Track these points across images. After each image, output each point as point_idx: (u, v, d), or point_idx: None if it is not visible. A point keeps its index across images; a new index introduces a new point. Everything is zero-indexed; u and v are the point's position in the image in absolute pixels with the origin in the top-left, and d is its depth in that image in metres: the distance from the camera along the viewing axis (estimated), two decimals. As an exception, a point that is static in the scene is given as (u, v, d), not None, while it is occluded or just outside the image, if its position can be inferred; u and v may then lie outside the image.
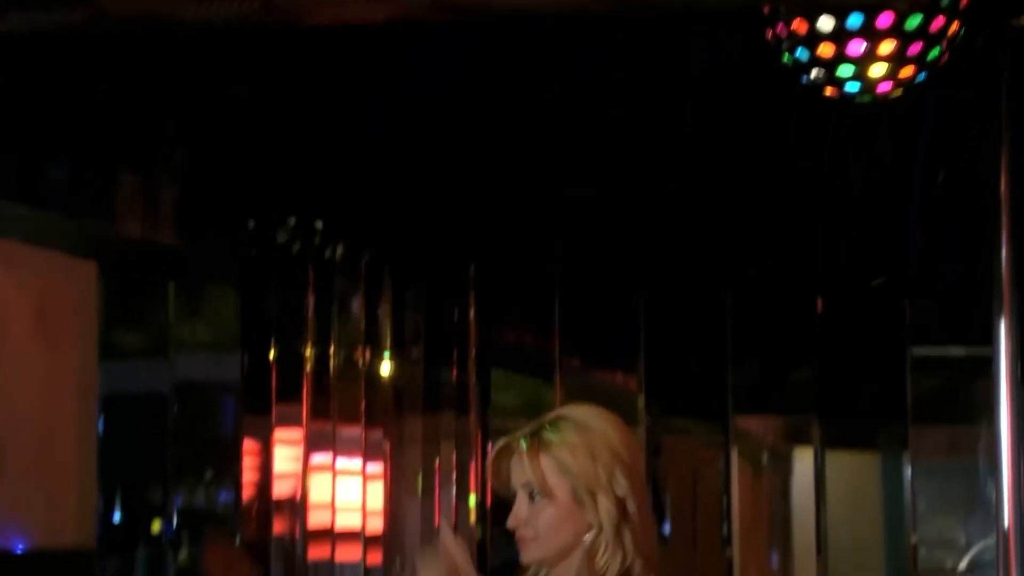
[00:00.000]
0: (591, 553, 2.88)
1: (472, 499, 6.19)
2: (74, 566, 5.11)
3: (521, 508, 2.91)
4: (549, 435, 2.92)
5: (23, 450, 5.07)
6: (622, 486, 2.88)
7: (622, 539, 2.86)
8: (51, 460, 5.17)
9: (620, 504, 2.88)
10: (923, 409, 6.06)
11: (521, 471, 2.92)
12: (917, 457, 6.09)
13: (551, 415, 2.97)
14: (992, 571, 5.94)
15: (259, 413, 5.85)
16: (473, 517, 6.18)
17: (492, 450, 3.01)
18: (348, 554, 6.02)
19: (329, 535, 5.97)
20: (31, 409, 5.13)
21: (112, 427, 5.60)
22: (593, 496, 2.89)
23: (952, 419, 6.13)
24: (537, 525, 2.90)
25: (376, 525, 6.09)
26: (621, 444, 2.92)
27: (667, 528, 6.38)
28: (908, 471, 6.11)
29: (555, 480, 2.90)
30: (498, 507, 6.17)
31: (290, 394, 5.87)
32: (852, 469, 6.50)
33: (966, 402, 6.04)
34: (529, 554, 2.93)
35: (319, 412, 5.95)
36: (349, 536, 6.02)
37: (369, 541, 6.05)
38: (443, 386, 6.24)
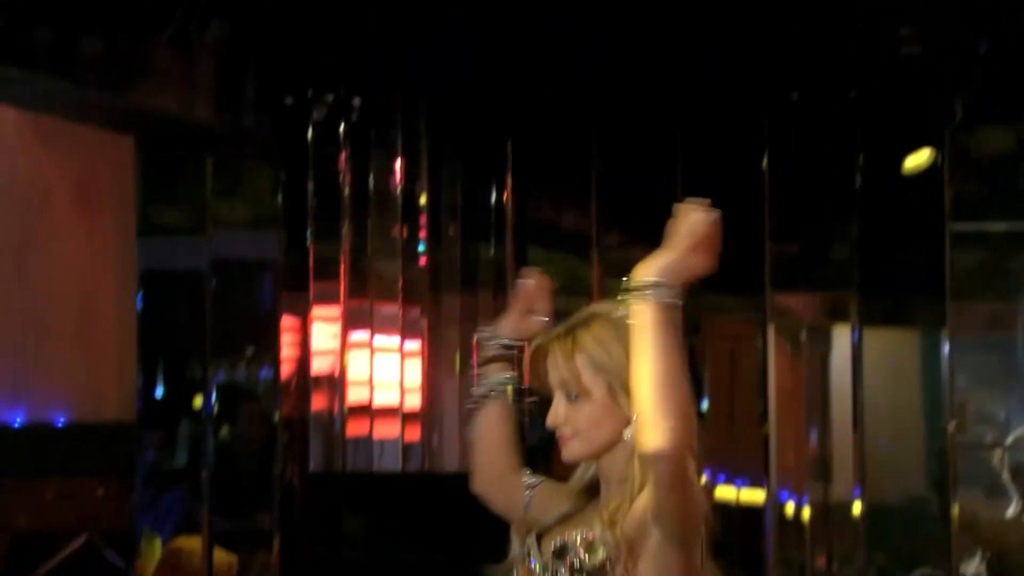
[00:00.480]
0: (629, 438, 2.88)
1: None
2: (115, 439, 5.15)
3: (559, 407, 2.92)
4: (582, 334, 2.93)
5: (63, 325, 5.10)
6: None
7: None
8: (91, 335, 5.20)
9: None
10: (962, 285, 6.02)
11: (557, 371, 2.93)
12: (956, 333, 6.06)
13: (584, 313, 2.98)
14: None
15: (297, 290, 5.86)
16: (510, 396, 6.18)
17: (527, 351, 3.03)
18: (386, 430, 6.05)
19: (367, 411, 6.00)
20: (70, 284, 5.15)
21: (151, 303, 5.62)
22: (629, 391, 2.84)
23: (991, 295, 6.10)
24: (576, 423, 2.91)
25: (414, 402, 6.11)
26: None
27: (705, 405, 6.39)
28: (946, 347, 6.09)
29: (591, 378, 2.90)
30: (537, 390, 6.18)
31: (328, 272, 5.88)
32: (890, 345, 6.49)
33: (1006, 277, 6.01)
34: (570, 452, 2.94)
35: (357, 290, 5.96)
36: (387, 412, 6.05)
37: (407, 418, 6.08)
38: (480, 264, 6.23)
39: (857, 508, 6.04)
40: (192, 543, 5.55)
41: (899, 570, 6.27)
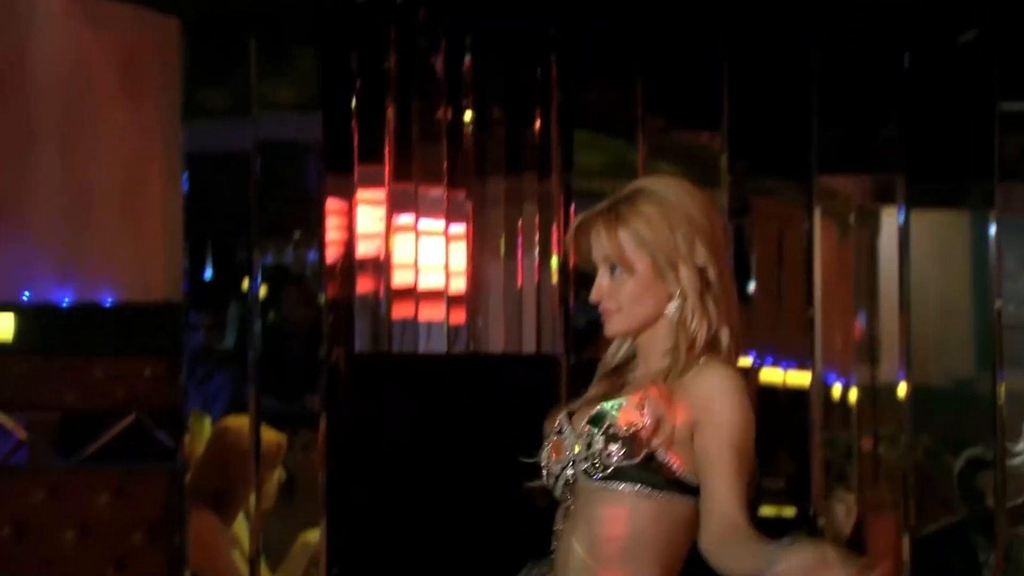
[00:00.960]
0: (681, 320, 2.90)
1: (554, 261, 6.19)
2: (162, 320, 5.19)
3: (603, 281, 2.94)
4: (626, 208, 2.94)
5: (109, 206, 5.12)
6: (702, 255, 2.90)
7: (706, 307, 2.88)
8: (137, 216, 5.23)
9: (701, 273, 2.90)
10: (1011, 166, 5.97)
11: (600, 246, 2.94)
12: (1004, 214, 6.02)
13: (628, 188, 2.98)
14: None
15: (342, 172, 5.86)
16: (555, 279, 6.19)
17: (571, 226, 3.02)
18: (431, 313, 6.07)
19: (412, 294, 6.01)
20: (116, 164, 5.17)
21: (196, 186, 5.63)
22: (674, 267, 2.90)
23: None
24: (620, 298, 2.93)
25: (459, 285, 6.12)
26: (699, 213, 2.93)
27: (752, 287, 6.37)
28: (994, 229, 6.05)
29: (634, 253, 2.92)
30: (581, 270, 6.18)
31: (372, 154, 5.87)
32: (938, 228, 6.46)
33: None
34: (613, 327, 2.96)
35: (401, 173, 5.95)
36: (432, 295, 6.06)
37: (452, 300, 6.09)
38: (525, 147, 6.21)
39: (903, 390, 6.03)
40: (240, 422, 5.60)
41: (945, 451, 6.28)
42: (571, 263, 6.15)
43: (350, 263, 5.87)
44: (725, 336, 2.89)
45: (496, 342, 6.17)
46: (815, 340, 6.05)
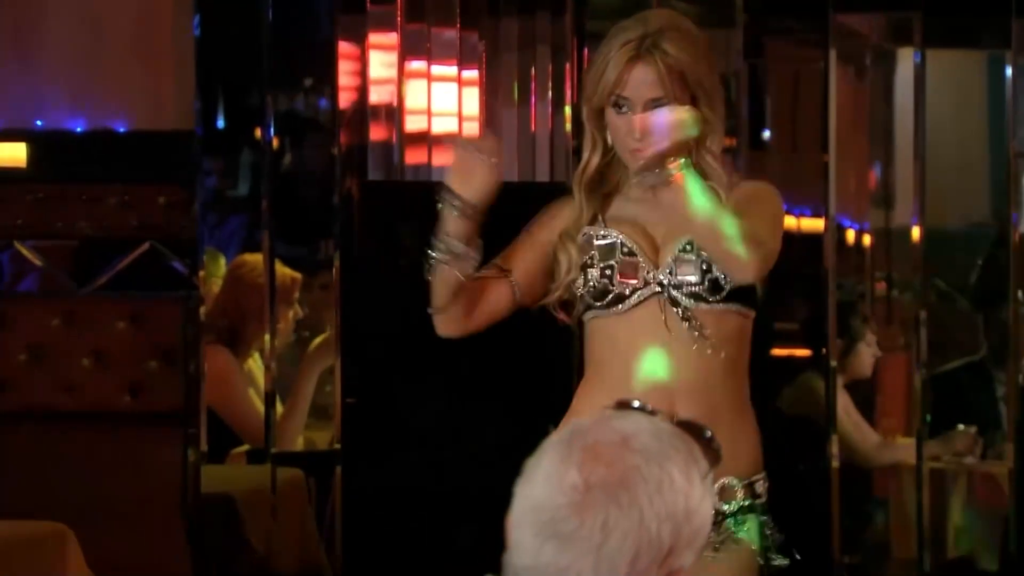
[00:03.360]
0: (712, 150, 3.10)
1: (568, 108, 6.16)
2: (175, 148, 5.18)
3: (646, 122, 2.97)
4: (667, 46, 3.02)
5: (121, 36, 5.10)
6: (719, 86, 3.11)
7: (723, 130, 3.13)
8: (149, 48, 5.21)
9: (723, 101, 3.12)
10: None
11: (646, 86, 3.01)
12: (1021, 55, 5.96)
13: (653, 25, 3.05)
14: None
15: (354, 14, 5.82)
16: (568, 125, 6.17)
17: (613, 43, 3.06)
18: (444, 159, 6.05)
19: (426, 139, 5.99)
20: (127, -1, 5.16)
21: (208, 28, 5.59)
22: (711, 101, 3.07)
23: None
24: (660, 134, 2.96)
25: (472, 130, 6.10)
26: (706, 44, 3.12)
27: (767, 134, 6.34)
28: (1009, 70, 5.99)
29: (679, 88, 3.02)
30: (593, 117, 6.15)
31: (385, -6, 5.83)
32: (955, 69, 6.41)
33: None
34: (649, 162, 2.99)
35: (414, 13, 5.91)
36: (446, 140, 6.04)
37: (466, 144, 6.06)
38: (538, -14, 6.16)
39: (917, 234, 6.02)
40: (256, 258, 5.61)
41: (959, 295, 6.28)
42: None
43: (363, 109, 5.85)
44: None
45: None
46: (829, 185, 6.01)
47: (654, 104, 3.00)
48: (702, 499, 1.80)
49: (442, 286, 3.17)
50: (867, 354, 6.14)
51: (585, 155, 3.20)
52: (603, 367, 3.14)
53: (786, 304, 6.09)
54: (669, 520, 1.77)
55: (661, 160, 2.96)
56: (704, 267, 3.07)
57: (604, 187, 3.17)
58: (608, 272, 3.11)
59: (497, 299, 3.20)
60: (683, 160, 2.97)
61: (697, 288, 3.08)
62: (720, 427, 2.41)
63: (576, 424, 1.88)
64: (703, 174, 3.05)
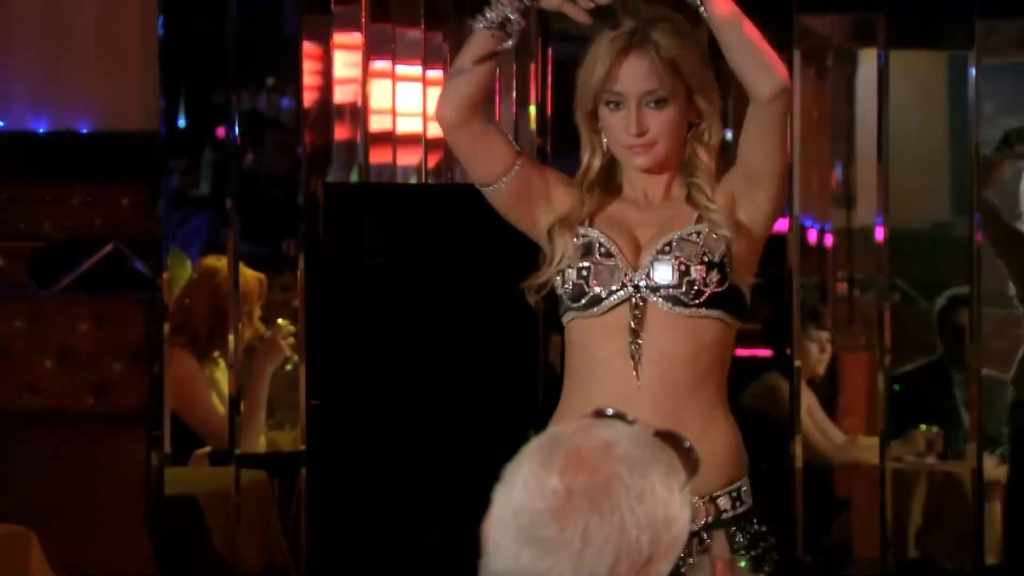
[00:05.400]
0: (709, 145, 3.05)
1: (532, 108, 6.16)
2: (138, 148, 5.17)
3: (645, 116, 2.96)
4: (659, 38, 2.98)
5: (85, 36, 5.08)
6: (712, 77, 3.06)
7: (722, 125, 3.07)
8: (113, 49, 5.19)
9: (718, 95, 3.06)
10: (993, 3, 5.91)
11: (642, 79, 2.97)
12: (984, 55, 5.99)
13: (645, 15, 3.02)
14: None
15: (319, 14, 5.81)
16: (533, 125, 6.17)
17: (602, 43, 3.01)
18: (409, 159, 6.06)
19: (390, 139, 5.99)
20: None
21: (172, 27, 5.58)
22: (706, 94, 3.03)
23: (1020, 13, 6.01)
24: (660, 129, 2.96)
25: (437, 130, 6.09)
26: (703, 41, 3.06)
27: (729, 135, 6.35)
28: (973, 71, 6.02)
29: (675, 81, 2.97)
30: (558, 115, 6.16)
31: (349, -6, 5.82)
32: (916, 69, 6.43)
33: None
34: (655, 157, 2.99)
35: (379, 13, 5.90)
36: (410, 140, 6.04)
37: (429, 145, 6.08)
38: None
39: (880, 234, 6.04)
40: (221, 262, 5.60)
41: (920, 294, 6.31)
42: (549, 107, 6.12)
43: (327, 108, 5.85)
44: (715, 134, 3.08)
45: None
46: (793, 185, 6.03)
47: (649, 97, 2.96)
48: (681, 508, 1.80)
49: (476, 47, 3.02)
50: (816, 351, 6.15)
51: (584, 160, 3.09)
52: (577, 371, 3.05)
53: (750, 304, 6.10)
54: (649, 528, 1.78)
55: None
56: (682, 268, 2.97)
57: (608, 186, 3.09)
58: (584, 273, 3.01)
59: (503, 144, 3.07)
60: None
61: (674, 291, 2.97)
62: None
63: (557, 430, 1.88)
64: (692, 167, 3.02)
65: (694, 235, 2.98)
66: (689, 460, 1.88)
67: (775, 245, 6.17)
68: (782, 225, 6.17)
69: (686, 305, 2.97)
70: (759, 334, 6.21)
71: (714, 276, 2.97)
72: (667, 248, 2.99)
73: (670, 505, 1.79)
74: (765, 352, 6.20)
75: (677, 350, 2.98)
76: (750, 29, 2.95)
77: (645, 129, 2.96)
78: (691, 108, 3.00)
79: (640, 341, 2.97)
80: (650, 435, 1.86)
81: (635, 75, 2.95)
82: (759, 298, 6.09)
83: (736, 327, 3.05)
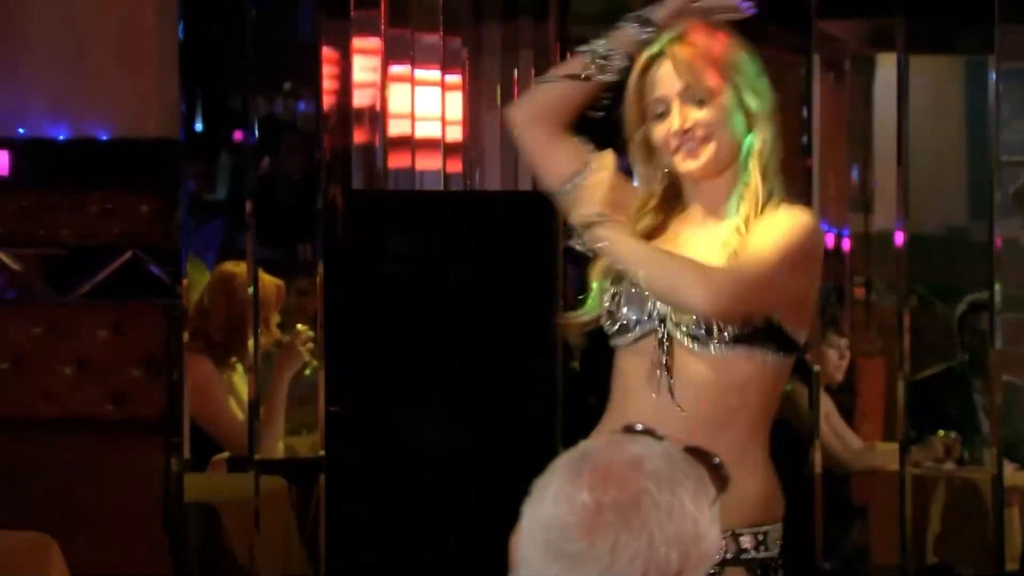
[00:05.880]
0: (759, 152, 2.90)
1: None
2: (157, 156, 5.17)
3: (686, 111, 2.88)
4: (702, 38, 2.91)
5: (104, 43, 5.08)
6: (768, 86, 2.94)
7: (776, 133, 2.92)
8: (132, 56, 5.20)
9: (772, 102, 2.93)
10: (1013, 8, 5.91)
11: (681, 75, 2.88)
12: (1003, 60, 5.97)
13: (688, 23, 2.94)
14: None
15: (338, 18, 5.81)
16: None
17: (637, 64, 2.93)
18: (428, 162, 6.06)
19: (409, 143, 5.99)
20: (110, 4, 5.13)
21: (192, 31, 5.58)
22: (756, 96, 2.90)
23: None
24: (707, 125, 2.87)
25: (455, 134, 6.11)
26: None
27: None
28: (993, 75, 6.00)
29: (716, 80, 2.88)
30: (577, 120, 6.15)
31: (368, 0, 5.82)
32: (934, 75, 6.42)
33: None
34: (705, 156, 2.89)
35: (398, 18, 5.90)
36: (429, 144, 6.05)
37: (448, 149, 6.08)
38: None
39: (899, 239, 6.03)
40: (237, 269, 5.60)
41: (938, 299, 6.30)
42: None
43: (346, 113, 5.85)
44: (779, 155, 2.94)
45: (492, 190, 6.18)
46: (813, 190, 6.02)
47: (688, 94, 2.87)
48: (711, 525, 1.81)
49: (569, 66, 3.00)
50: (835, 357, 6.14)
51: (640, 192, 3.00)
52: (614, 395, 2.95)
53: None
54: (678, 544, 1.78)
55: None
56: None
57: (676, 203, 3.00)
58: (617, 298, 2.92)
59: (570, 150, 2.98)
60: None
61: (695, 328, 2.85)
62: None
63: (586, 445, 1.89)
64: (743, 180, 2.89)
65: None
66: (719, 477, 1.88)
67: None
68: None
69: (707, 343, 2.85)
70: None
71: None
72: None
73: (699, 521, 1.80)
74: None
75: (704, 385, 2.86)
76: (654, 267, 2.80)
77: (687, 126, 2.87)
78: (741, 110, 2.89)
79: (668, 373, 2.87)
80: (679, 451, 1.86)
81: (671, 74, 2.88)
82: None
83: (784, 363, 2.89)
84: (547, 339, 4.92)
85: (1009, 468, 5.88)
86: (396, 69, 5.92)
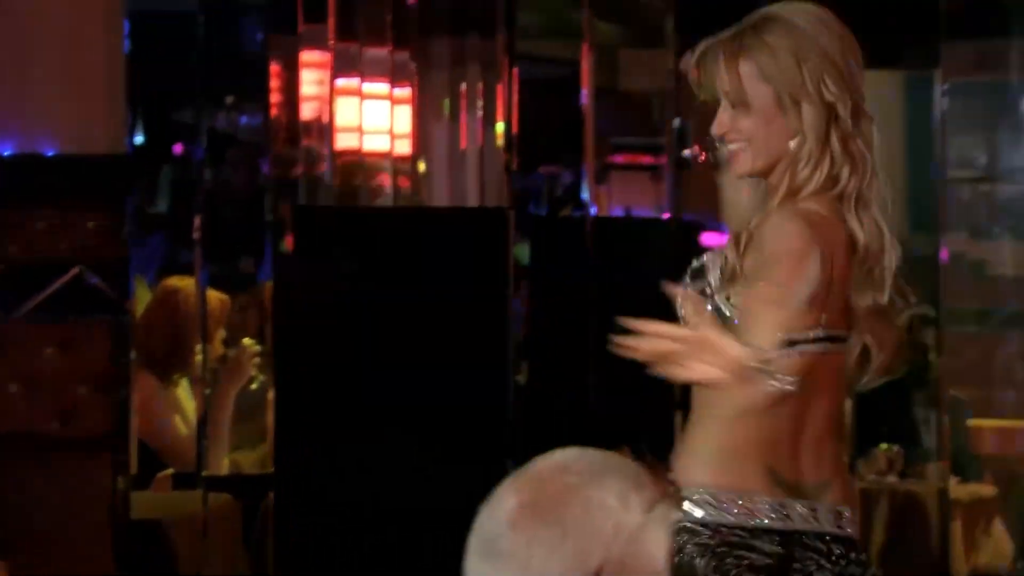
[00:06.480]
0: (794, 161, 2.78)
1: (499, 126, 6.18)
2: (104, 172, 5.15)
3: (724, 115, 2.81)
4: (751, 39, 2.80)
5: (49, 59, 5.06)
6: (831, 91, 2.79)
7: (829, 145, 2.79)
8: (78, 71, 5.17)
9: (830, 110, 2.79)
10: (958, 23, 5.94)
11: (720, 78, 2.80)
12: (948, 76, 6.00)
13: (757, 15, 2.84)
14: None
15: (286, 33, 5.81)
16: (500, 142, 6.19)
17: (692, 55, 2.87)
18: (377, 176, 6.06)
19: (358, 157, 5.99)
20: (57, 18, 5.11)
21: (138, 45, 5.56)
22: (797, 103, 2.78)
23: (984, 33, 6.04)
24: (742, 133, 2.80)
25: (404, 148, 6.11)
26: (833, 44, 2.83)
27: (687, 153, 6.34)
28: (938, 90, 6.04)
29: (754, 87, 2.78)
30: (524, 134, 6.17)
31: (317, 14, 5.82)
32: (880, 89, 6.46)
33: (999, 15, 5.95)
34: (741, 165, 2.82)
35: (346, 32, 5.90)
36: (377, 158, 6.05)
37: (396, 163, 6.08)
38: (470, 5, 6.17)
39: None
40: (183, 282, 5.59)
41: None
42: (515, 125, 6.12)
43: (294, 127, 5.84)
44: (845, 174, 2.80)
45: (440, 204, 6.19)
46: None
47: (727, 98, 2.80)
48: (643, 526, 1.84)
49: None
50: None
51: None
52: None
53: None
54: (597, 540, 1.82)
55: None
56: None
57: None
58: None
59: None
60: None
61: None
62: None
63: (532, 461, 1.94)
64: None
65: (712, 256, 2.82)
66: (664, 482, 1.92)
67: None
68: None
69: None
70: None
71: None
72: (691, 271, 2.84)
73: (623, 519, 1.84)
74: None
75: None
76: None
77: (723, 131, 2.81)
78: (784, 117, 2.79)
79: None
80: (617, 456, 1.91)
81: (716, 75, 2.81)
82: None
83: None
84: (497, 354, 4.92)
85: (952, 481, 5.92)
86: (344, 83, 5.92)
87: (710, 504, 2.50)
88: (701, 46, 2.87)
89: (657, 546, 1.83)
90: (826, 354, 2.77)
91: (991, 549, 5.92)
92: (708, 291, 2.77)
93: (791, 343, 2.66)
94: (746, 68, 2.79)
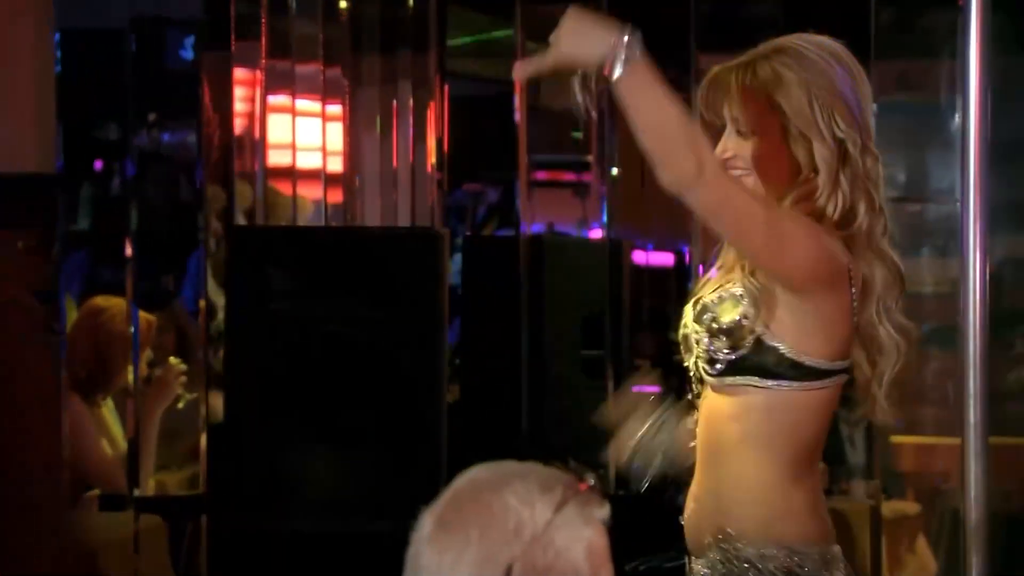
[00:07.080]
0: (805, 195, 2.76)
1: (431, 141, 6.21)
2: (34, 192, 5.10)
3: (729, 141, 2.78)
4: (763, 68, 2.77)
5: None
6: (841, 127, 2.76)
7: (839, 183, 2.75)
8: (8, 89, 5.14)
9: (839, 146, 2.76)
10: (885, 44, 6.00)
11: (729, 103, 2.78)
12: (876, 96, 6.05)
13: (770, 45, 2.82)
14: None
15: (218, 50, 5.80)
16: (432, 159, 6.21)
17: (704, 79, 2.86)
18: (308, 193, 6.07)
19: (290, 174, 6.00)
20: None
21: (69, 62, 5.53)
22: (807, 138, 2.75)
23: (911, 55, 6.10)
24: (746, 160, 2.77)
25: (336, 165, 6.12)
26: (845, 82, 2.80)
27: (615, 172, 6.37)
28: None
29: (762, 117, 2.76)
30: (455, 150, 6.19)
31: (249, 31, 5.81)
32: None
33: (926, 34, 6.01)
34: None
35: (278, 50, 5.90)
36: (309, 175, 6.05)
37: (329, 180, 6.09)
38: (401, 23, 6.18)
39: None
40: (113, 303, 5.55)
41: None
42: (446, 143, 6.14)
43: (227, 143, 5.83)
44: (862, 209, 2.76)
45: (373, 221, 6.20)
46: (695, 221, 6.10)
47: (733, 124, 2.77)
48: (550, 524, 1.88)
49: None
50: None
51: None
52: None
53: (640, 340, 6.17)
54: (498, 540, 1.86)
55: None
56: (704, 334, 2.78)
57: None
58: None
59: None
60: None
61: (700, 357, 2.80)
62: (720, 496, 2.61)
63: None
64: None
65: (716, 298, 2.79)
66: (586, 486, 1.95)
67: (662, 279, 6.27)
68: (667, 259, 6.23)
69: (708, 373, 2.79)
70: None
71: (722, 343, 2.75)
72: (702, 311, 2.82)
73: (527, 518, 1.88)
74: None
75: (717, 412, 2.80)
76: (653, 113, 2.57)
77: (727, 156, 2.76)
78: (790, 150, 2.77)
79: (699, 398, 2.85)
80: (528, 464, 1.95)
81: (725, 100, 2.80)
82: (648, 339, 6.18)
83: (801, 392, 2.75)
84: (432, 375, 4.93)
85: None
86: (276, 100, 5.92)
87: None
88: (713, 70, 2.86)
89: (567, 543, 1.89)
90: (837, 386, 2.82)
91: (915, 566, 5.97)
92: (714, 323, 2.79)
93: (828, 373, 2.75)
94: (755, 97, 2.77)
